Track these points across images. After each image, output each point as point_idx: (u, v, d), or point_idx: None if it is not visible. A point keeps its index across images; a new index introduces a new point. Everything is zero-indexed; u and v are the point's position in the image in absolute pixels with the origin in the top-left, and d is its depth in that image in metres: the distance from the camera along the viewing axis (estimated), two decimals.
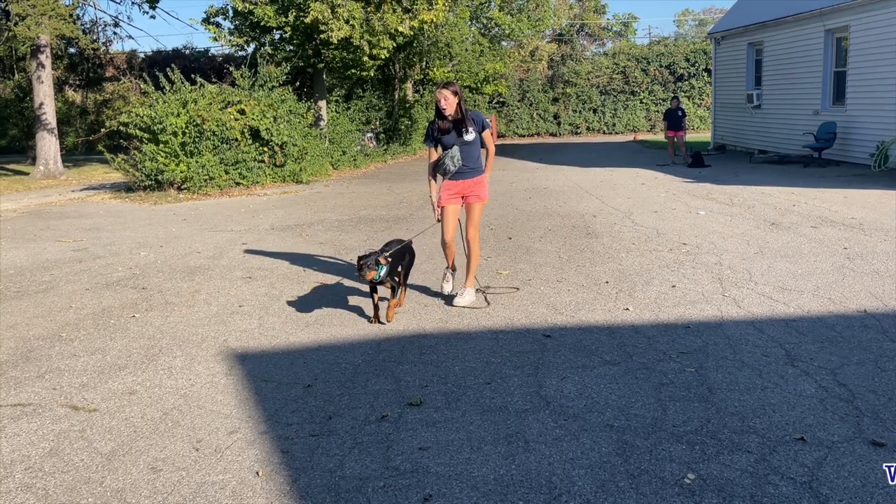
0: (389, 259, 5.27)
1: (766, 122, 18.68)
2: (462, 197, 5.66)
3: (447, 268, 5.89)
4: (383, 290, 5.60)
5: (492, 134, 6.04)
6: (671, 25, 75.10)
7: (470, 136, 5.47)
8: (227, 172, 14.80)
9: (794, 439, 3.29)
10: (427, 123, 25.33)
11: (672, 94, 23.05)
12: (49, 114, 19.41)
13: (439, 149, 5.58)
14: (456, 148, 5.46)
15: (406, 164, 20.70)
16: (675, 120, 17.53)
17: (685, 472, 3.04)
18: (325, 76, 20.45)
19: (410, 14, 17.41)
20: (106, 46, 26.96)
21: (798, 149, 16.51)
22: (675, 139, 17.55)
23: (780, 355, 4.35)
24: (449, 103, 5.39)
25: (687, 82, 32.65)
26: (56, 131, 19.76)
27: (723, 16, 24.08)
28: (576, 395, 3.88)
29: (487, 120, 5.84)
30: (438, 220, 5.72)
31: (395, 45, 18.19)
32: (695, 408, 3.66)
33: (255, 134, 15.21)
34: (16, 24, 17.10)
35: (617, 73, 33.16)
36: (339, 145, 19.58)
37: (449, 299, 5.77)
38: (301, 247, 8.43)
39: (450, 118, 5.45)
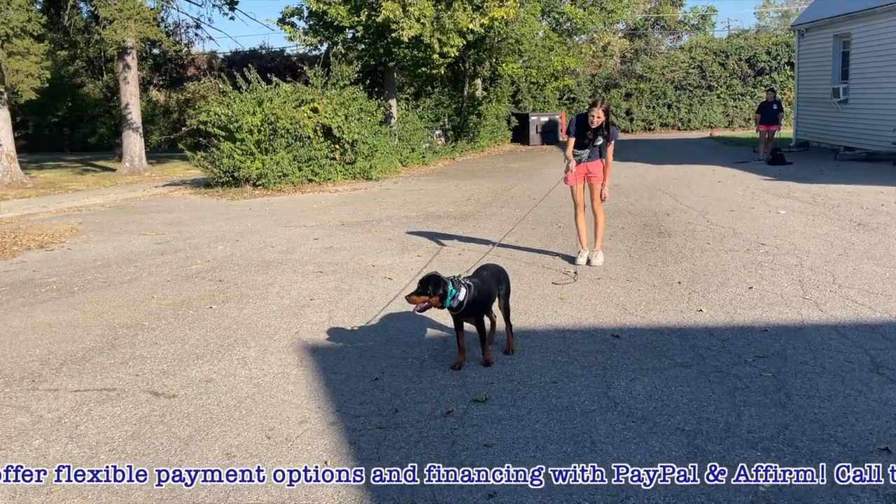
0: (471, 284, 4.22)
1: (853, 118, 17.78)
2: (585, 176, 6.95)
3: (580, 246, 7.13)
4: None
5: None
6: (752, 18, 72.35)
7: (599, 142, 6.83)
8: (300, 169, 15.15)
9: (878, 450, 3.13)
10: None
11: (767, 87, 22.07)
12: (134, 113, 20.31)
13: (573, 141, 6.91)
14: (587, 151, 6.85)
15: (474, 161, 20.69)
16: (769, 114, 16.87)
17: (760, 480, 2.94)
18: (395, 74, 20.66)
19: (481, 11, 17.38)
20: (188, 48, 28.02)
21: (888, 146, 15.65)
22: (767, 134, 16.90)
23: (865, 361, 4.14)
24: (599, 120, 6.64)
25: (768, 76, 31.43)
26: (141, 130, 20.67)
27: (807, 7, 23.04)
28: (645, 396, 3.80)
29: (619, 136, 7.23)
30: (565, 179, 6.98)
31: (465, 42, 18.20)
32: (771, 414, 3.53)
33: (327, 132, 15.51)
34: (104, 28, 17.98)
35: (693, 68, 32.21)
36: (409, 143, 19.75)
37: (587, 263, 6.91)
38: (370, 242, 8.55)
39: (592, 127, 6.71)
